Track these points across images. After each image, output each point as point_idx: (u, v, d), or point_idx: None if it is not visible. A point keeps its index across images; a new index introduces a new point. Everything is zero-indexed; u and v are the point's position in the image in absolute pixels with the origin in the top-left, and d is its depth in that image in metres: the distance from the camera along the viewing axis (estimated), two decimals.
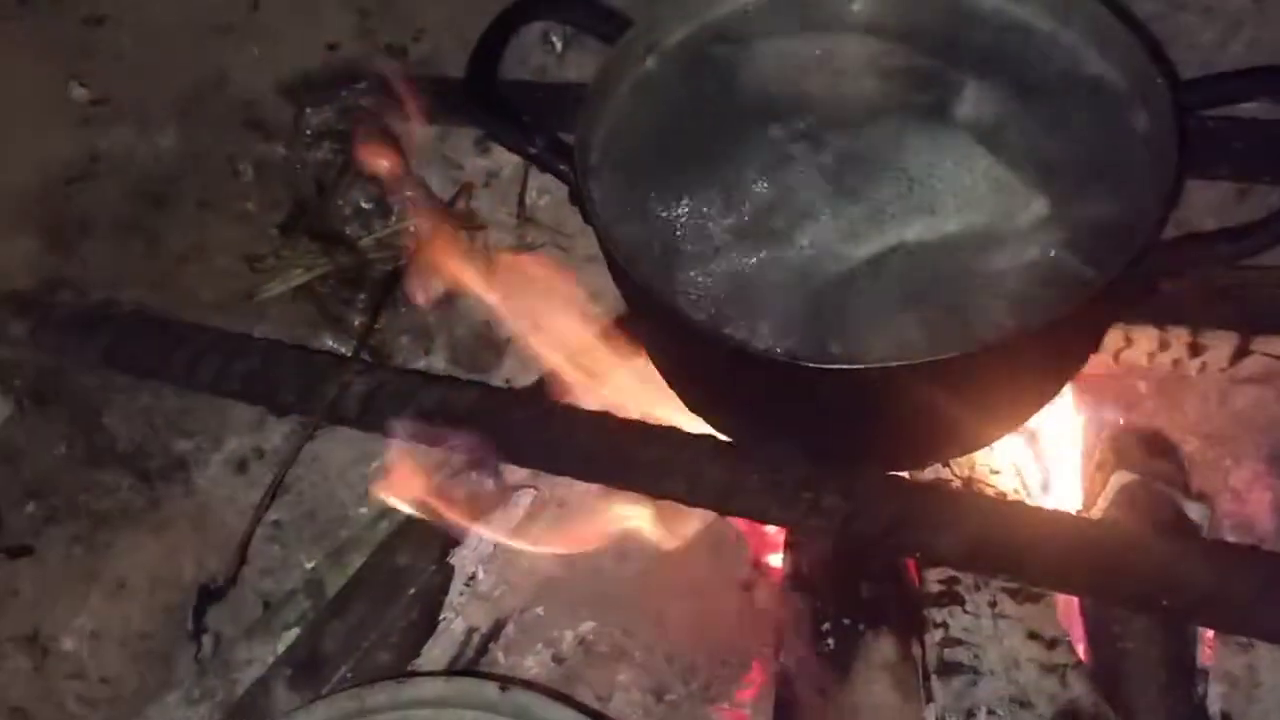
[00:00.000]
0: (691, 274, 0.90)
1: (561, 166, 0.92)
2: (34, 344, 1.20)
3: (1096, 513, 1.02)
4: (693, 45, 1.01)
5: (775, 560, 1.14)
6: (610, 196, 0.93)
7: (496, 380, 1.31)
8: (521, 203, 1.37)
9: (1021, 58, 0.95)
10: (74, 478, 1.21)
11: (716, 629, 1.14)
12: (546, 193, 1.39)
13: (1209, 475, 1.13)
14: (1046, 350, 0.84)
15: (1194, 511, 1.00)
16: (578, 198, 0.91)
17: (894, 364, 0.81)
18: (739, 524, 1.12)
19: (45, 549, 1.18)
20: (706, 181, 0.93)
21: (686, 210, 0.92)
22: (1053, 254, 0.85)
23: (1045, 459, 1.09)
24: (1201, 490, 1.06)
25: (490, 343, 1.33)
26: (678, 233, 0.92)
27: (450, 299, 1.33)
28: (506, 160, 1.40)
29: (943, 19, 0.99)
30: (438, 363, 1.32)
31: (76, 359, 1.19)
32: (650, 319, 0.96)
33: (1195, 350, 1.08)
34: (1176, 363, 1.10)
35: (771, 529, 1.11)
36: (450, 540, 1.06)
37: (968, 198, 0.89)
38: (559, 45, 1.47)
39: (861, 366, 0.81)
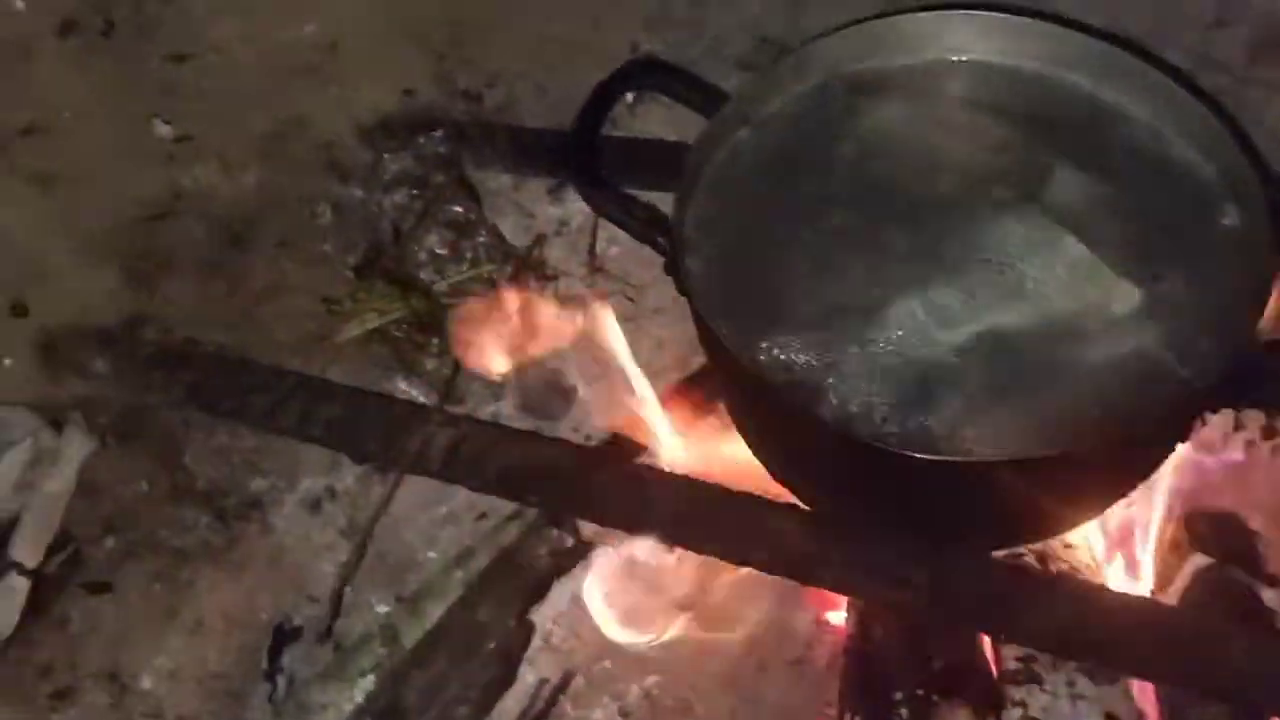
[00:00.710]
0: (781, 345, 0.91)
1: (659, 239, 0.93)
2: (118, 380, 1.22)
3: (1172, 595, 1.03)
4: (785, 118, 1.02)
5: (834, 618, 1.16)
6: (704, 268, 0.94)
7: (564, 428, 1.32)
8: (592, 252, 1.39)
9: (1113, 144, 0.97)
10: (154, 514, 1.23)
11: (779, 688, 1.16)
12: (615, 243, 1.41)
13: (1275, 556, 1.15)
14: (1138, 449, 0.86)
15: (1270, 597, 1.02)
16: (673, 269, 0.93)
17: (987, 458, 0.83)
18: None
19: (124, 585, 1.20)
20: (798, 254, 0.95)
21: (779, 282, 0.94)
22: (1146, 349, 0.86)
23: (1117, 536, 1.11)
24: (1275, 574, 1.07)
25: (559, 390, 1.34)
26: (769, 304, 0.93)
27: (521, 346, 1.36)
28: (577, 210, 1.42)
29: (1037, 101, 1.00)
30: (506, 408, 1.34)
31: (160, 397, 1.20)
32: (742, 391, 0.98)
33: (1268, 434, 1.10)
34: (1250, 444, 1.11)
35: None
36: (532, 596, 1.07)
37: (1059, 285, 0.90)
38: (629, 96, 1.49)
39: (957, 459, 0.83)
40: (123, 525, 1.23)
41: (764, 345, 0.91)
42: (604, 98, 0.97)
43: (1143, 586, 1.08)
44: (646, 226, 0.93)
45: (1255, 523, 1.14)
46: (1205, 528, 1.08)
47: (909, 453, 0.83)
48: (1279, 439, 1.11)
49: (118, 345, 1.24)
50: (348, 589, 1.24)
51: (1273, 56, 1.36)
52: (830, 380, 0.89)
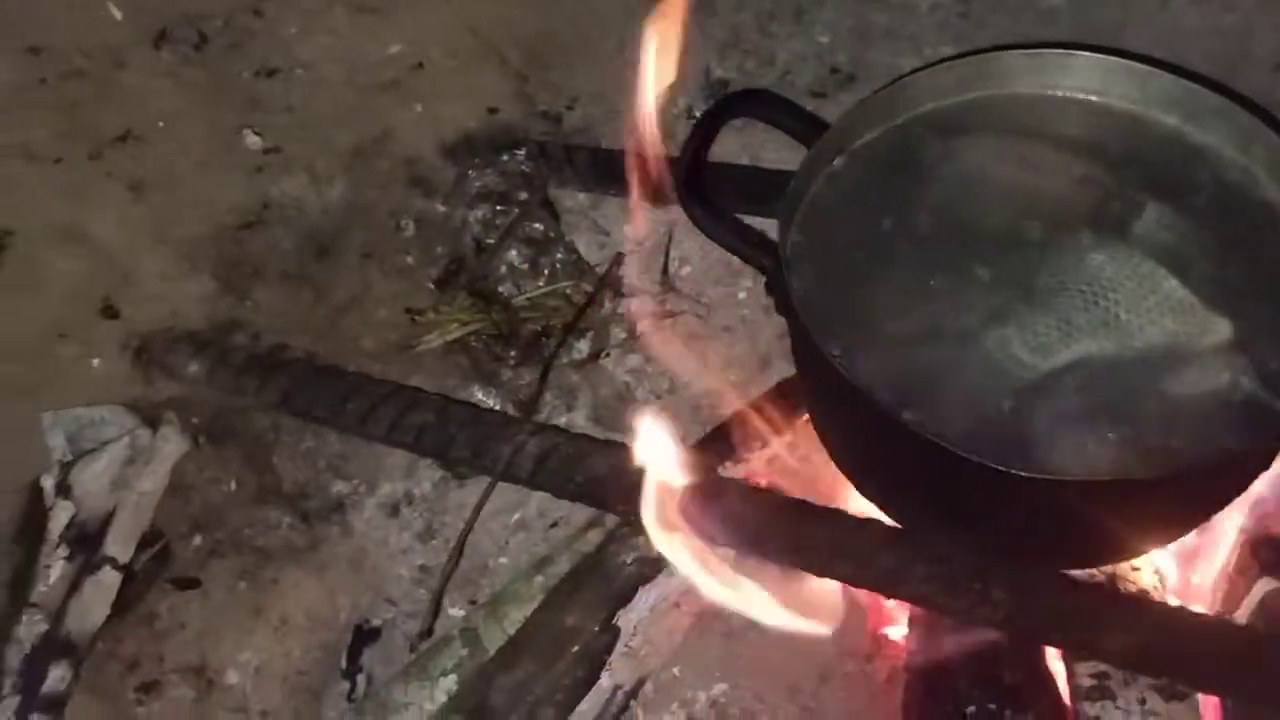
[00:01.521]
0: (878, 363, 0.94)
1: (765, 261, 0.97)
2: (210, 384, 1.25)
3: (1240, 618, 1.06)
4: (879, 150, 1.05)
5: (893, 632, 1.19)
6: (804, 289, 0.98)
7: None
8: (665, 271, 1.43)
9: (1202, 182, 1.00)
10: (241, 514, 1.26)
11: (840, 699, 1.18)
12: (687, 263, 1.45)
13: None
14: (1223, 477, 0.89)
15: None
16: (778, 289, 0.97)
17: (1077, 478, 0.86)
18: (859, 593, 1.16)
19: (211, 582, 1.23)
20: (892, 281, 0.98)
21: (874, 306, 0.97)
22: (1236, 380, 0.89)
23: (1183, 558, 1.14)
24: None
25: (631, 404, 1.38)
26: (866, 326, 0.96)
27: (595, 359, 1.40)
28: (652, 230, 1.47)
29: (1126, 138, 1.03)
30: (579, 420, 1.37)
31: (253, 401, 1.24)
32: (835, 405, 1.01)
33: None
34: None
35: (892, 602, 1.15)
36: (618, 601, 1.10)
37: (1150, 318, 0.93)
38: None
39: (1048, 477, 0.85)
40: (210, 524, 1.26)
41: (860, 362, 0.94)
42: (711, 124, 1.01)
43: (1209, 609, 1.11)
44: (753, 249, 0.96)
45: None
46: (1272, 552, 1.10)
47: (1000, 467, 0.85)
48: None
49: (209, 349, 1.28)
50: (422, 591, 1.28)
51: None
52: (925, 397, 0.92)
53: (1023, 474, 0.85)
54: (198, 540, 1.25)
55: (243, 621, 1.21)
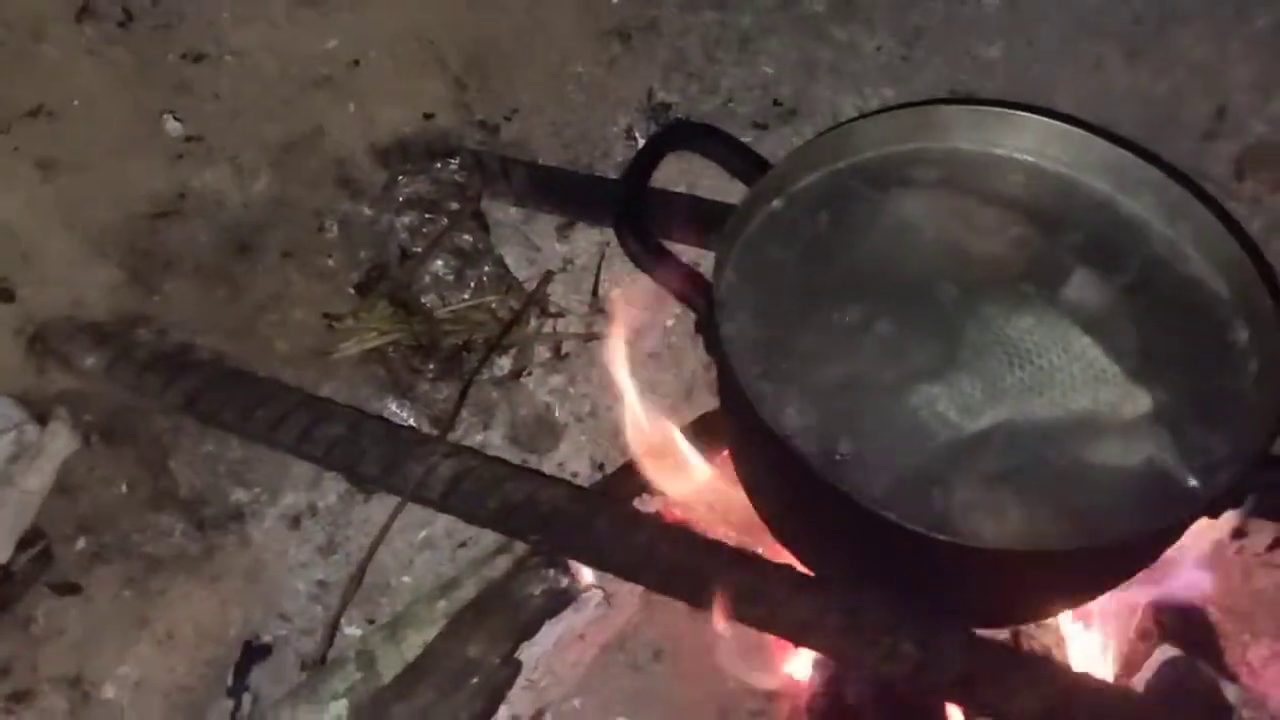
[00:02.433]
0: (801, 411, 0.93)
1: (696, 300, 0.95)
2: (109, 379, 1.19)
3: (1138, 681, 1.08)
4: (818, 194, 1.05)
5: (796, 671, 1.18)
6: (734, 330, 0.96)
7: (550, 463, 1.34)
8: (595, 292, 1.41)
9: (1131, 250, 1.01)
10: (131, 518, 1.20)
11: None
12: (618, 285, 1.43)
13: (1229, 647, 1.21)
14: (1136, 550, 0.90)
15: (1231, 693, 1.06)
16: (706, 329, 0.95)
17: (995, 547, 0.86)
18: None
19: (94, 589, 1.17)
20: (823, 327, 0.97)
21: (803, 351, 0.96)
22: (1153, 454, 0.89)
23: (1088, 620, 1.15)
24: (1234, 669, 1.12)
25: (549, 425, 1.36)
26: (793, 371, 0.95)
27: (517, 377, 1.36)
28: (583, 249, 1.44)
29: (1060, 199, 1.04)
30: (495, 439, 1.34)
31: (156, 401, 1.18)
32: (756, 449, 1.00)
33: (1238, 534, 1.16)
34: (1217, 543, 1.17)
35: None
36: (522, 634, 1.07)
37: (1074, 384, 0.93)
38: (641, 141, 1.52)
39: (967, 544, 0.85)
40: (97, 527, 1.20)
41: (786, 410, 0.93)
42: (652, 155, 0.99)
43: (1109, 669, 1.12)
44: (686, 287, 0.94)
45: (1217, 618, 1.19)
46: (1173, 620, 1.12)
47: (924, 531, 0.85)
48: (1244, 540, 1.17)
49: (111, 343, 1.21)
50: (318, 608, 1.24)
51: (1258, 173, 1.44)
52: (846, 450, 0.91)
53: (942, 539, 0.85)
54: (82, 543, 1.19)
55: (125, 632, 1.15)
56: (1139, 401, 0.92)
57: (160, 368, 1.18)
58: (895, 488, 0.90)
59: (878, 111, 1.05)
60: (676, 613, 1.17)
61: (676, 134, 1.03)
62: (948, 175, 1.07)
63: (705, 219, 1.24)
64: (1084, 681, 0.99)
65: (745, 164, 1.04)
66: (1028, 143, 1.06)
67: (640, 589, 1.16)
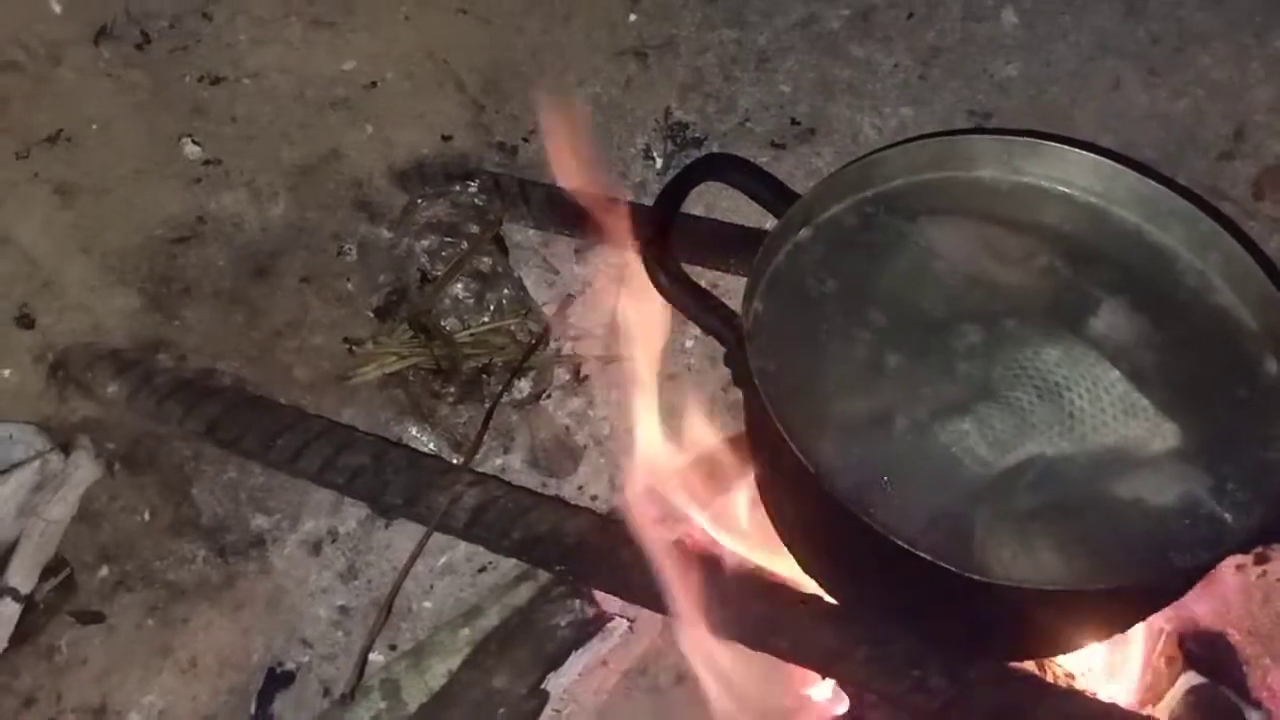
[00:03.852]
0: (833, 443, 0.93)
1: (726, 334, 0.95)
2: (131, 407, 1.19)
3: (1163, 709, 1.07)
4: (845, 224, 1.04)
5: (815, 694, 1.17)
6: (763, 361, 0.96)
7: (570, 486, 1.33)
8: (614, 315, 1.40)
9: (1160, 282, 1.00)
10: (153, 546, 1.20)
11: None
12: (637, 308, 1.42)
13: (1250, 672, 1.20)
14: (1165, 586, 0.90)
15: (1254, 718, 1.06)
16: (737, 361, 0.95)
17: (1027, 585, 0.85)
18: None
19: (117, 618, 1.17)
20: (852, 357, 0.97)
21: (832, 382, 0.96)
22: (1184, 488, 0.89)
23: (1114, 648, 1.15)
24: (1258, 695, 1.12)
25: (569, 448, 1.35)
26: (823, 402, 0.95)
27: (536, 400, 1.36)
28: (601, 271, 1.44)
29: (1089, 229, 1.04)
30: (514, 462, 1.34)
31: (177, 428, 1.18)
32: (786, 481, 0.99)
33: (1260, 559, 1.15)
34: (1240, 567, 1.17)
35: None
36: (549, 665, 1.07)
37: (1104, 418, 0.93)
38: (659, 161, 1.52)
39: (1000, 582, 0.85)
40: (120, 555, 1.20)
41: (816, 442, 0.92)
42: (682, 186, 0.98)
43: (1133, 697, 1.12)
44: (715, 320, 0.94)
45: (1239, 642, 1.19)
46: (1197, 647, 1.12)
47: (954, 568, 0.85)
48: (1267, 565, 1.16)
49: (132, 370, 1.21)
50: (340, 634, 1.24)
51: (1276, 193, 1.44)
52: (877, 483, 0.91)
53: (975, 577, 0.85)
54: (105, 572, 1.19)
55: (149, 660, 1.15)
56: (1169, 436, 0.92)
57: (181, 395, 1.18)
58: (927, 524, 0.89)
59: (905, 140, 1.05)
60: (701, 638, 1.17)
61: (707, 166, 1.02)
62: (975, 204, 1.06)
63: (726, 243, 1.24)
64: (1113, 712, 0.99)
65: (773, 195, 1.04)
66: (1056, 173, 1.05)
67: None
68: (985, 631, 0.98)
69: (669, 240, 0.95)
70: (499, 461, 1.34)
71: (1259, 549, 1.13)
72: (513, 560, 1.19)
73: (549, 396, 1.37)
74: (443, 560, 1.28)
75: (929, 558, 0.85)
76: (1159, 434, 0.93)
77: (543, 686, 1.07)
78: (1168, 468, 0.91)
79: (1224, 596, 1.24)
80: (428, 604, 1.26)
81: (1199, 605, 1.22)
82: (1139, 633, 1.15)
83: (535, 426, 1.36)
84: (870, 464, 0.92)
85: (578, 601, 1.08)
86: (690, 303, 0.95)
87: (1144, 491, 0.90)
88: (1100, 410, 0.94)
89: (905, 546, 0.86)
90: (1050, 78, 1.55)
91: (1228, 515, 0.87)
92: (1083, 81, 1.53)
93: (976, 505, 0.90)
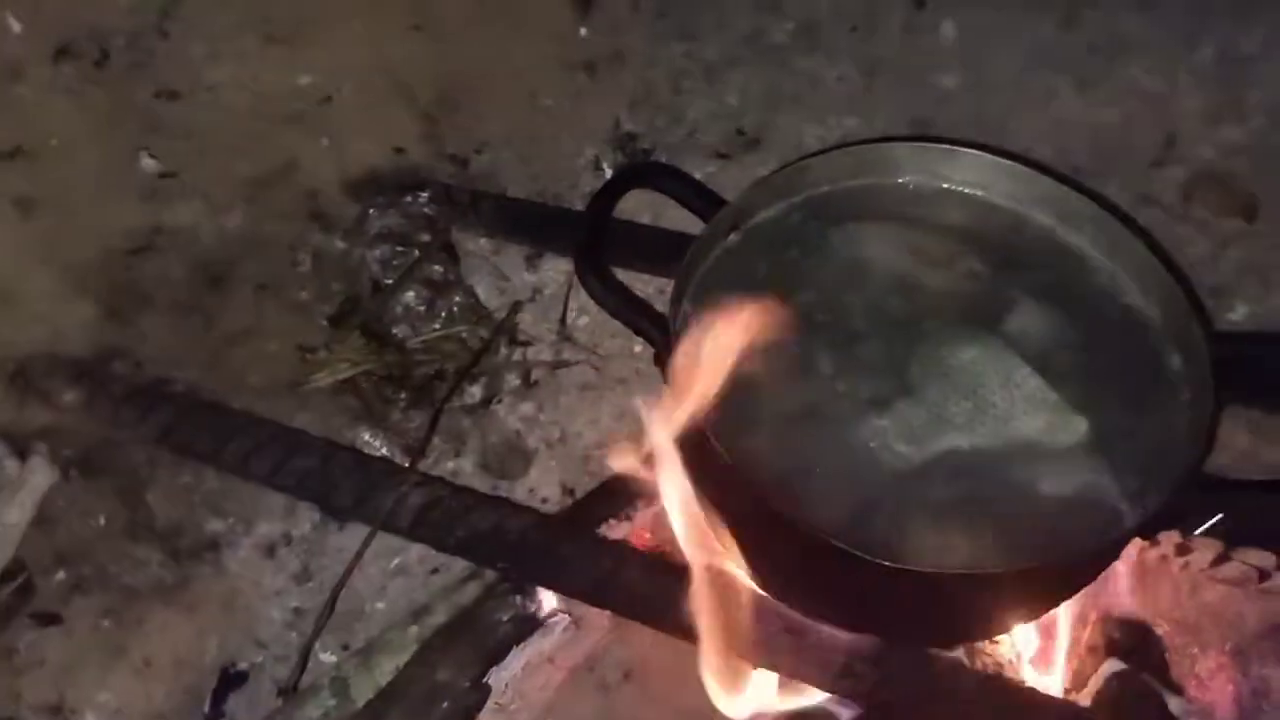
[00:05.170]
0: (755, 442, 0.97)
1: (654, 334, 0.99)
2: (88, 413, 1.22)
3: (1086, 695, 1.11)
4: (772, 229, 1.09)
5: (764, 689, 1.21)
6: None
7: (522, 489, 1.37)
8: (563, 320, 1.44)
9: (1072, 281, 1.05)
10: (109, 550, 1.23)
11: None
12: (585, 313, 1.46)
13: (1177, 660, 1.24)
14: (1076, 567, 0.94)
15: (1175, 706, 1.10)
16: (665, 363, 0.98)
17: (941, 570, 0.89)
18: None
19: (74, 619, 1.19)
20: (776, 359, 1.01)
21: (757, 382, 1.00)
22: (1090, 478, 0.94)
23: (1039, 635, 1.18)
24: (1179, 682, 1.16)
25: (520, 452, 1.39)
26: (747, 402, 0.98)
27: (487, 405, 1.40)
28: (551, 279, 1.48)
29: (1006, 232, 1.08)
30: (466, 465, 1.38)
31: (132, 434, 1.21)
32: (713, 479, 1.03)
33: (1182, 550, 1.19)
34: (1164, 558, 1.20)
35: None
36: (491, 659, 1.10)
37: (1016, 413, 0.97)
38: (609, 172, 1.56)
39: (913, 569, 0.89)
40: (76, 558, 1.22)
41: (739, 439, 0.96)
42: (611, 195, 1.02)
43: (1058, 684, 1.16)
44: (644, 321, 0.98)
45: (1161, 631, 1.23)
46: (1120, 634, 1.16)
47: (870, 557, 0.89)
48: (1189, 556, 1.20)
49: (89, 377, 1.24)
50: (294, 634, 1.26)
51: (1205, 198, 1.49)
52: (798, 479, 0.95)
53: (890, 565, 0.89)
54: (61, 575, 1.21)
55: (104, 660, 1.18)
56: (1076, 428, 0.96)
57: (136, 401, 1.21)
58: (846, 516, 0.93)
59: (831, 148, 1.09)
60: (646, 634, 1.19)
61: (636, 173, 1.06)
62: (898, 210, 1.11)
63: (666, 250, 1.28)
64: (1032, 697, 1.02)
65: (702, 200, 1.08)
66: (974, 177, 1.10)
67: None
68: (909, 619, 1.02)
69: (599, 244, 0.99)
70: (451, 465, 1.37)
71: (1175, 538, 1.17)
72: (463, 562, 1.22)
73: (500, 401, 1.41)
74: (395, 562, 1.31)
75: (848, 549, 0.89)
76: (1067, 427, 0.97)
77: (485, 680, 1.10)
78: (1074, 459, 0.95)
79: (1154, 588, 1.28)
80: (380, 605, 1.30)
81: (1129, 597, 1.26)
82: (1063, 622, 1.19)
83: (486, 431, 1.39)
84: (792, 460, 0.96)
85: (519, 598, 1.11)
86: (619, 305, 0.99)
87: (1051, 481, 0.94)
88: (1012, 405, 0.98)
89: (823, 538, 0.90)
90: (988, 88, 1.59)
91: (1125, 503, 0.91)
92: (1019, 92, 1.58)
93: (894, 497, 0.94)
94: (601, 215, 1.01)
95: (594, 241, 0.99)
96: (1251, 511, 0.92)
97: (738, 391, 0.99)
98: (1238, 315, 1.42)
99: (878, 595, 0.97)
